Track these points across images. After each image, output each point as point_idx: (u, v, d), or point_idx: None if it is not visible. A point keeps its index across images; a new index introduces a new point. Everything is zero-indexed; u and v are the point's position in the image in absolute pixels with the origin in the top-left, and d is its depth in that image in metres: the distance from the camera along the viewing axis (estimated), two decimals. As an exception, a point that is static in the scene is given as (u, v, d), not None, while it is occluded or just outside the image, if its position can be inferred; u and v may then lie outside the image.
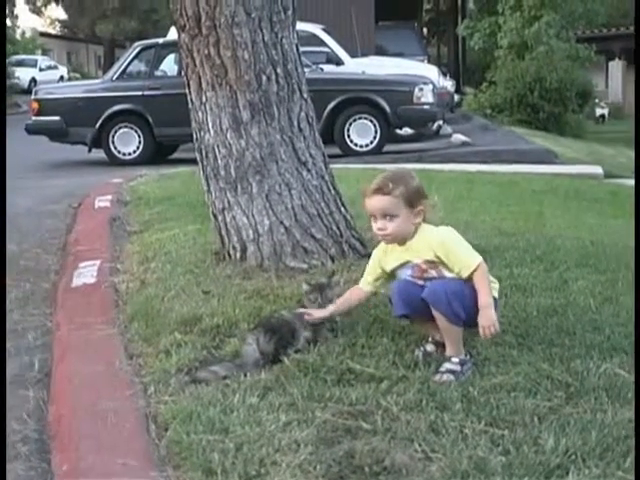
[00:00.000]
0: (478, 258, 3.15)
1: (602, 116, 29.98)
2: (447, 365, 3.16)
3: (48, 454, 2.90)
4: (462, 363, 3.15)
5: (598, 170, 11.67)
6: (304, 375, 3.11)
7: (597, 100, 27.72)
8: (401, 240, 3.28)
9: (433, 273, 3.23)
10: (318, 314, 3.47)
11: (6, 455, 2.91)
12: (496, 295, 3.24)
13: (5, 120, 18.23)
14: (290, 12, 4.63)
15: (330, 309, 3.49)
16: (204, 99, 4.61)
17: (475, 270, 3.12)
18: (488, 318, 3.07)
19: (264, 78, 4.54)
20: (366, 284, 3.48)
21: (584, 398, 2.88)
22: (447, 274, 3.20)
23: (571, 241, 5.42)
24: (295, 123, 4.64)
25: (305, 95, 4.72)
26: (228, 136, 4.58)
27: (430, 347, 3.35)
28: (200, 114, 4.68)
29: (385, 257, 3.39)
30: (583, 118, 22.95)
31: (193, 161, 5.17)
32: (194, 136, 4.83)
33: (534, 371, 3.10)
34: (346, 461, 2.50)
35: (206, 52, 4.51)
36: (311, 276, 4.33)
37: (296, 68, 4.67)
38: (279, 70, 4.57)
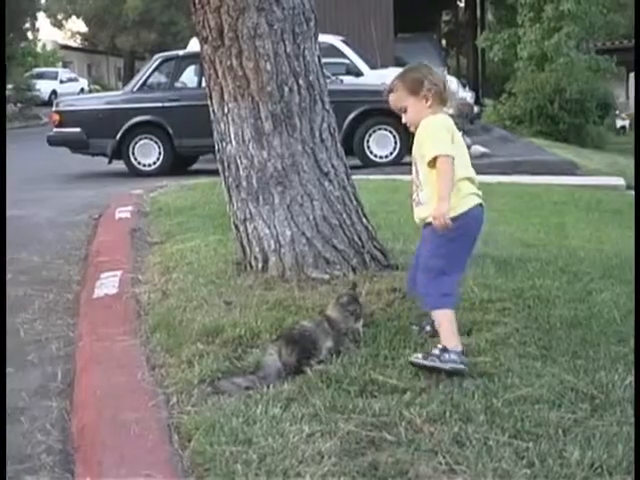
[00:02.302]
0: (438, 151, 3.29)
1: (623, 127, 29.78)
2: (432, 350, 3.27)
3: (72, 465, 2.90)
4: (444, 350, 3.22)
5: (620, 181, 11.60)
6: (327, 386, 3.11)
7: (618, 111, 27.57)
8: None
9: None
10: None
11: (28, 466, 2.93)
12: (470, 206, 3.38)
13: (5, 128, 18.31)
14: (312, 23, 4.64)
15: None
16: (226, 110, 4.62)
17: (433, 160, 3.29)
18: (439, 210, 3.22)
19: (286, 89, 4.54)
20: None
21: (609, 410, 2.87)
22: (421, 174, 3.42)
23: (594, 253, 5.40)
24: (317, 134, 4.64)
25: (327, 106, 4.72)
26: (250, 147, 4.59)
27: (429, 328, 3.54)
28: (222, 125, 4.69)
29: None
30: (604, 129, 22.84)
31: (213, 172, 5.18)
32: (216, 147, 4.84)
33: (558, 383, 3.09)
34: (370, 473, 2.49)
35: (228, 63, 4.52)
36: (333, 287, 4.34)
37: (318, 79, 4.67)
38: (301, 81, 4.58)
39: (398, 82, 3.49)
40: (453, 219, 3.24)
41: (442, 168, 3.28)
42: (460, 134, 3.46)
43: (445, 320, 3.33)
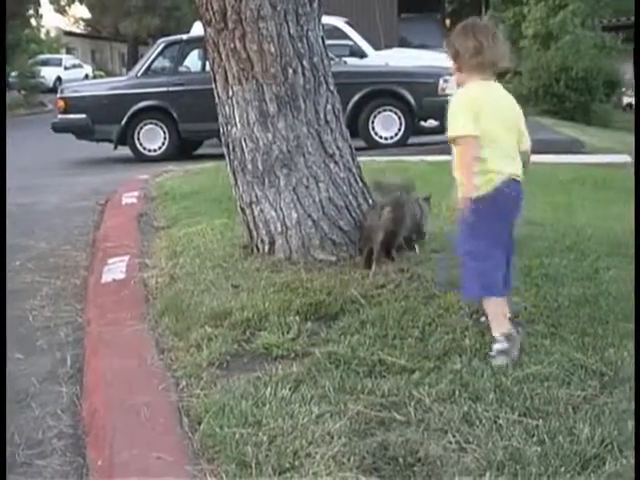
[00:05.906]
0: (457, 132, 3.23)
1: (629, 105, 29.60)
2: (496, 346, 3.17)
3: (83, 449, 2.92)
4: (507, 337, 3.15)
5: (627, 159, 11.53)
6: (335, 367, 3.12)
7: (624, 89, 27.43)
8: None
9: None
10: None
11: (39, 451, 2.94)
12: (492, 187, 3.28)
13: (5, 118, 18.27)
14: (316, 5, 4.61)
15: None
16: (231, 93, 4.61)
17: (452, 141, 3.27)
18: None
19: (290, 71, 4.53)
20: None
21: (619, 387, 2.87)
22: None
23: (601, 230, 5.37)
24: (322, 115, 4.63)
25: (331, 87, 4.71)
26: (255, 129, 4.58)
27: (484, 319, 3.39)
28: (227, 108, 4.68)
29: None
30: (610, 107, 22.74)
31: (217, 156, 5.17)
32: (221, 130, 4.83)
33: (567, 361, 3.09)
34: (380, 452, 2.50)
35: (232, 46, 4.50)
36: (340, 268, 4.33)
37: (322, 61, 4.65)
38: (305, 63, 4.56)
39: None
40: None
41: (460, 151, 3.34)
42: None
43: (496, 305, 3.34)
